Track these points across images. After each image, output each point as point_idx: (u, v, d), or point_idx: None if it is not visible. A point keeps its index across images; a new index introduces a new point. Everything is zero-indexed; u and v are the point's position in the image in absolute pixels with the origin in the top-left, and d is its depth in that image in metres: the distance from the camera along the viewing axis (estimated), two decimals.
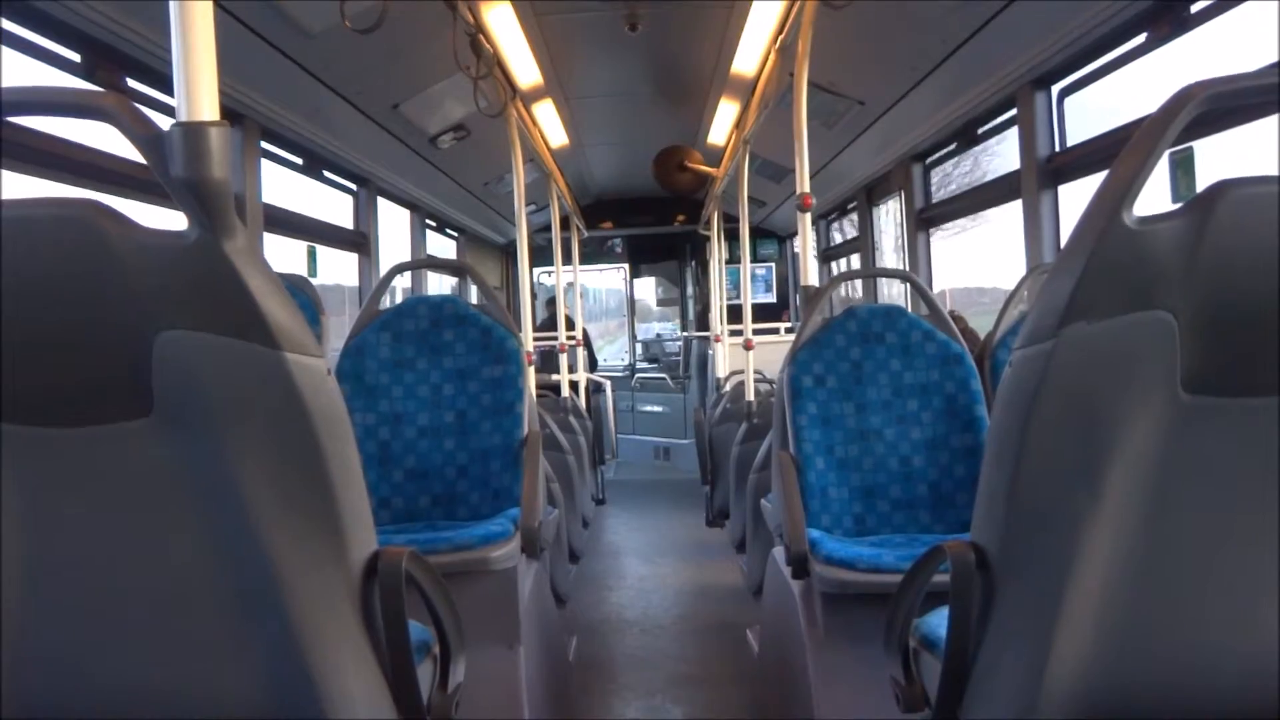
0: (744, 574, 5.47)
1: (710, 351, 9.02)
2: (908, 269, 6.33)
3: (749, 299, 6.63)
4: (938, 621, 1.73)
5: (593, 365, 10.44)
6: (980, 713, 1.50)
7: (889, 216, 7.29)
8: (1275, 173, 1.26)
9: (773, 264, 11.61)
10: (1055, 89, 4.49)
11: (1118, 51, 3.91)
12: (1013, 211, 4.84)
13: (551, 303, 9.80)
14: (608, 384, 9.72)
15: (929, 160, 6.29)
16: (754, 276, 10.96)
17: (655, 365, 12.31)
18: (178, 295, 1.23)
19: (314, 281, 4.97)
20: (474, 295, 7.56)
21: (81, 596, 1.34)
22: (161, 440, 1.27)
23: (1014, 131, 4.77)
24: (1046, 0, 3.75)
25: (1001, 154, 5.32)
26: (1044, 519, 1.36)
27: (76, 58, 3.35)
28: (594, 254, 12.02)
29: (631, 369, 12.13)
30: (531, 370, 4.50)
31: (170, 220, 1.27)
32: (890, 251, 7.44)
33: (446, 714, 1.67)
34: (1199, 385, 1.28)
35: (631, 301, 12.56)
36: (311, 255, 5.50)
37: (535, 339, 6.29)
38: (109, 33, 3.30)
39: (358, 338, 3.32)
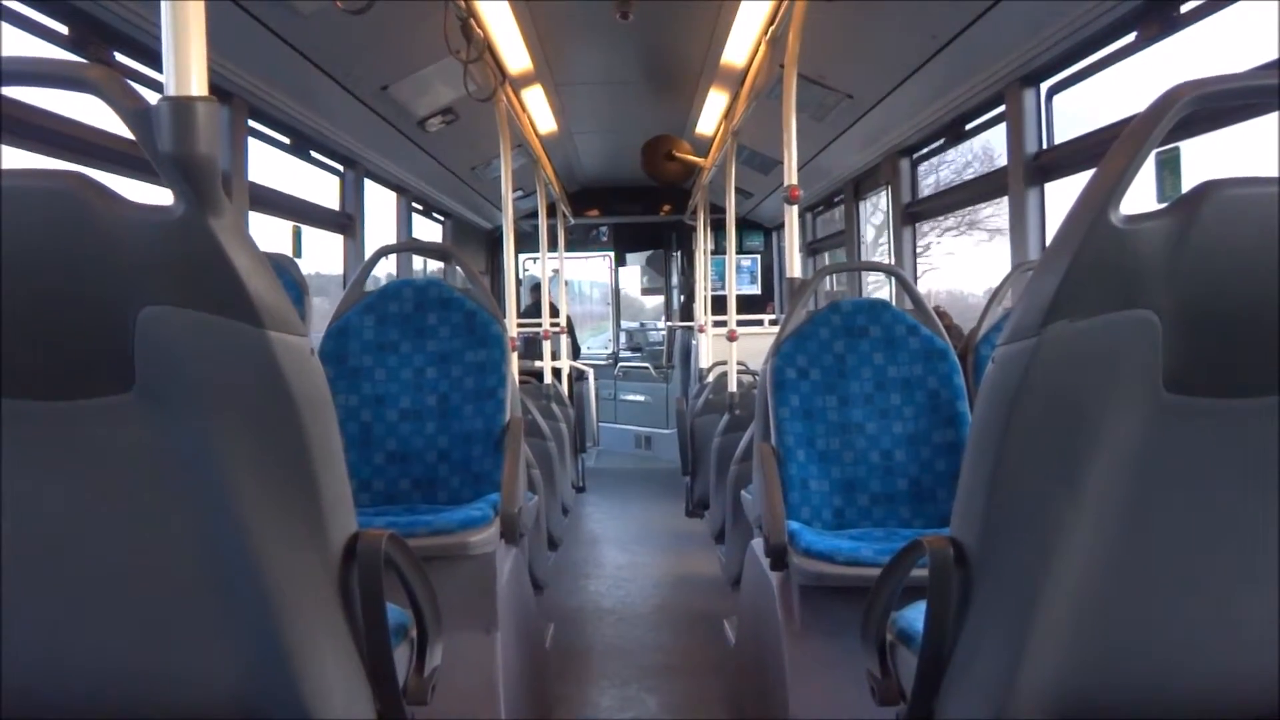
0: (722, 565, 5.48)
1: (694, 342, 9.02)
2: (893, 263, 6.34)
3: (734, 290, 6.64)
4: (915, 615, 1.73)
5: (576, 352, 10.43)
6: (955, 707, 1.51)
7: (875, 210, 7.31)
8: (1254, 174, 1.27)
9: (758, 255, 11.62)
10: (1044, 86, 4.50)
11: (1107, 50, 3.93)
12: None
13: (536, 289, 9.80)
14: (590, 372, 9.71)
15: (916, 155, 6.30)
16: (739, 268, 10.97)
17: (639, 354, 12.30)
18: (162, 270, 1.22)
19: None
20: (459, 280, 7.54)
21: (58, 571, 1.34)
22: (142, 416, 1.26)
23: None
24: None
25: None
26: (1023, 516, 1.36)
27: (64, 30, 3.33)
28: (579, 241, 12.00)
29: (615, 357, 12.12)
30: (515, 356, 4.49)
31: (156, 196, 1.26)
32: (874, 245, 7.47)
33: (422, 697, 1.67)
34: (1181, 385, 1.29)
35: (616, 290, 12.55)
36: (297, 235, 5.48)
37: (519, 325, 6.29)
38: (98, 5, 3.28)
39: (341, 319, 3.31)
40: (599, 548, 6.40)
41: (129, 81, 1.24)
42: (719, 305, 7.76)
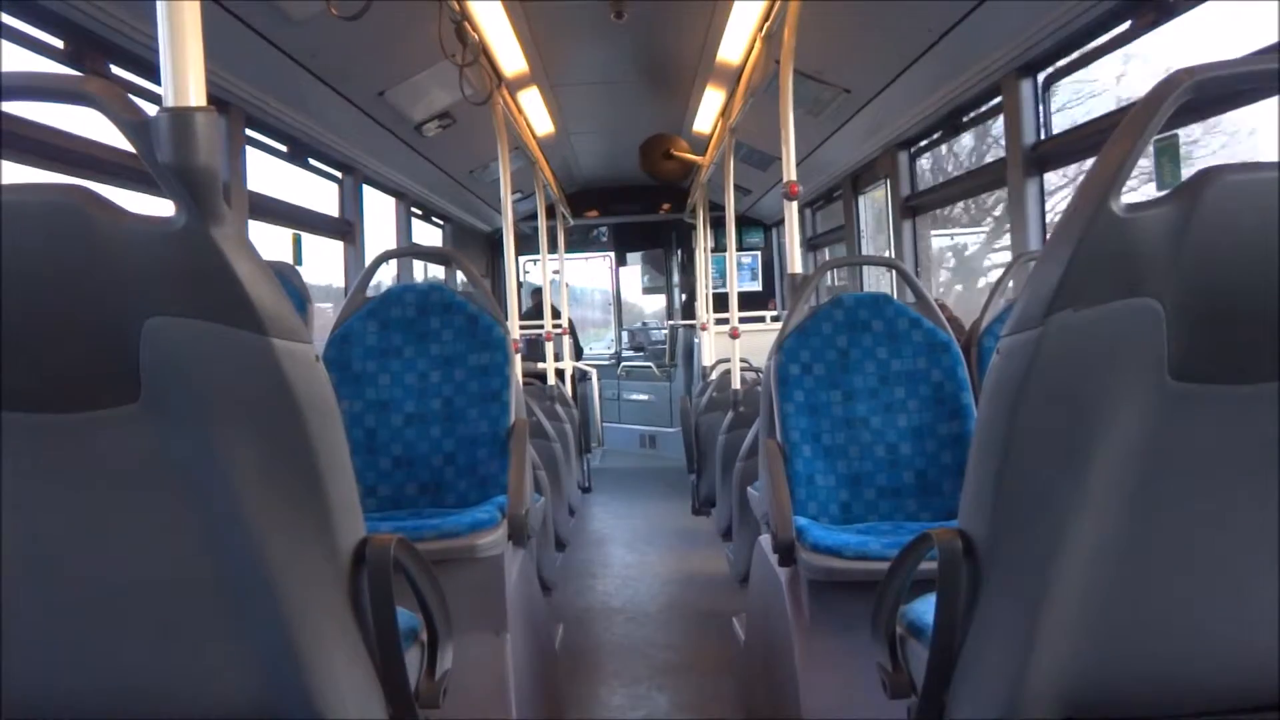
0: (730, 562, 5.48)
1: (696, 340, 9.03)
2: (893, 256, 6.34)
3: (735, 287, 6.64)
4: (924, 608, 1.73)
5: (578, 353, 10.44)
6: (966, 699, 1.51)
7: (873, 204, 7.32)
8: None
9: (758, 252, 11.63)
10: (1040, 76, 4.50)
11: (1102, 39, 3.93)
12: None
13: (537, 293, 9.81)
14: (593, 372, 9.71)
15: (915, 148, 6.30)
16: (740, 265, 10.98)
17: (641, 354, 12.31)
18: (165, 281, 1.22)
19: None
20: (460, 283, 7.55)
21: (69, 583, 1.34)
22: (149, 427, 1.26)
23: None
24: None
25: None
26: (1030, 507, 1.36)
27: (60, 44, 3.33)
28: (579, 242, 12.03)
29: (617, 357, 12.13)
30: (518, 358, 4.49)
31: (157, 208, 1.26)
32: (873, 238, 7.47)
33: (434, 701, 1.67)
34: (1187, 372, 1.28)
35: (617, 290, 12.56)
36: (297, 243, 5.48)
37: (521, 328, 6.29)
38: (93, 19, 3.28)
39: (344, 325, 3.30)
40: (606, 548, 6.40)
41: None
42: (720, 303, 7.78)
